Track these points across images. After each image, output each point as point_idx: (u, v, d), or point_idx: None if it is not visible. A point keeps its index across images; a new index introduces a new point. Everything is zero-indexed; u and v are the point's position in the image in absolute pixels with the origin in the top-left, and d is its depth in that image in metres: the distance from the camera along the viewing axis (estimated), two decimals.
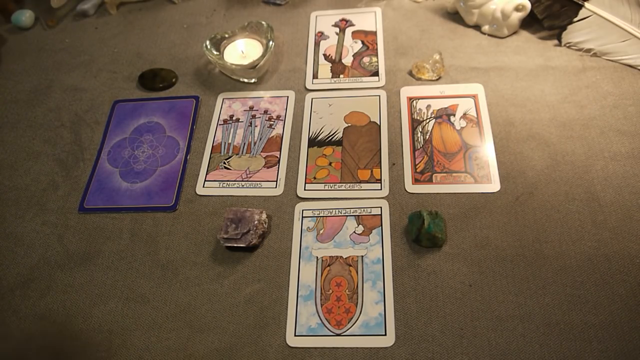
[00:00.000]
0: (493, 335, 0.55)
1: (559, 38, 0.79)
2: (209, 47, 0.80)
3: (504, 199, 0.65)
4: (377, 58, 0.82)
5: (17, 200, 0.74)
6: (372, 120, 0.75)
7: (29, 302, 0.64)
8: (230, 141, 0.76)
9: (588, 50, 0.77)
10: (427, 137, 0.72)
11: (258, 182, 0.71)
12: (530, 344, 0.55)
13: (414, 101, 0.76)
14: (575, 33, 0.78)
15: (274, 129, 0.76)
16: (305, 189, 0.69)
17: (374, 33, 0.85)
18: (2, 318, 0.63)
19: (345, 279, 0.61)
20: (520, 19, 0.79)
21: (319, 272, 0.62)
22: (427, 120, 0.73)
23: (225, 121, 0.78)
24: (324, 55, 0.84)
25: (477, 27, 0.83)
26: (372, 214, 0.66)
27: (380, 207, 0.66)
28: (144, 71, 0.85)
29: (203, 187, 0.71)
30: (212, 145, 0.75)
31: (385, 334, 0.57)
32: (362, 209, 0.66)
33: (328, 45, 0.85)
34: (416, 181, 0.68)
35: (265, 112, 0.78)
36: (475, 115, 0.73)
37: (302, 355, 0.57)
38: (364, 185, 0.68)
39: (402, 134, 0.73)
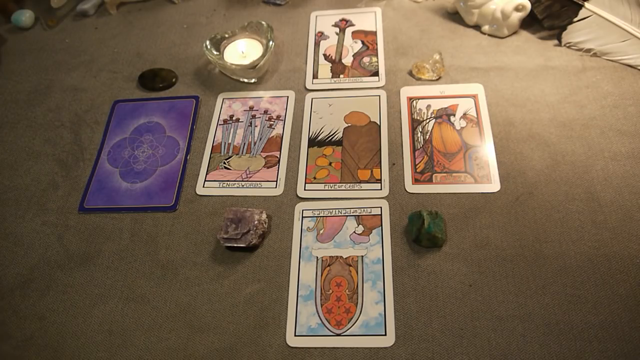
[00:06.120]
0: (493, 335, 0.55)
1: (559, 38, 0.79)
2: (209, 47, 0.80)
3: (504, 199, 0.65)
4: (377, 58, 0.82)
5: (17, 200, 0.74)
6: (372, 120, 0.75)
7: (29, 302, 0.64)
8: (230, 141, 0.76)
9: (588, 50, 0.77)
10: (427, 137, 0.72)
11: (258, 182, 0.71)
12: (530, 344, 0.55)
13: (414, 101, 0.76)
14: (575, 33, 0.78)
15: (274, 129, 0.76)
16: (305, 189, 0.69)
17: (374, 33, 0.85)
18: (2, 318, 0.63)
19: (345, 279, 0.61)
20: (520, 19, 0.79)
21: (319, 272, 0.62)
22: (427, 120, 0.73)
23: (225, 121, 0.78)
24: (324, 55, 0.84)
25: (477, 27, 0.83)
26: (372, 214, 0.66)
27: (380, 207, 0.66)
28: (144, 71, 0.85)
29: (203, 187, 0.71)
30: (212, 145, 0.75)
31: (385, 334, 0.57)
32: (362, 209, 0.66)
33: (328, 45, 0.85)
34: (416, 181, 0.68)
35: (265, 112, 0.78)
36: (475, 115, 0.73)
37: (302, 355, 0.57)
38: (364, 185, 0.68)
39: (402, 134, 0.73)
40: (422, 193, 0.67)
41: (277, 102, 0.79)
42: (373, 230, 0.64)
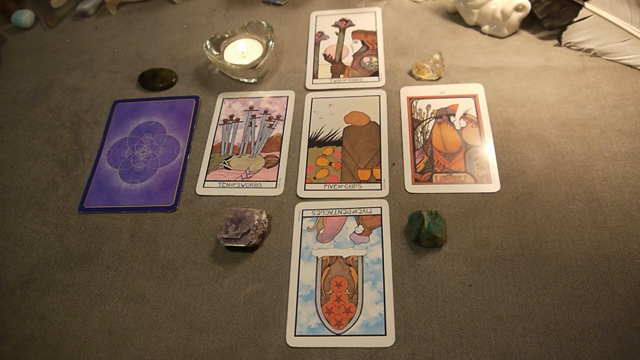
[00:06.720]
0: (493, 335, 0.55)
1: (559, 38, 0.79)
2: (209, 47, 0.80)
3: (504, 199, 0.65)
4: (377, 58, 0.82)
5: (17, 200, 0.74)
6: (372, 120, 0.75)
7: (29, 302, 0.64)
8: (230, 141, 0.76)
9: (588, 50, 0.77)
10: (427, 137, 0.72)
11: (258, 182, 0.71)
12: (530, 344, 0.55)
13: (414, 101, 0.76)
14: (575, 33, 0.78)
15: (274, 129, 0.76)
16: (305, 189, 0.69)
17: (374, 33, 0.85)
18: (2, 318, 0.63)
19: (345, 279, 0.61)
20: (520, 19, 0.79)
21: (319, 272, 0.62)
22: (427, 120, 0.73)
23: (225, 121, 0.78)
24: (324, 55, 0.84)
25: (477, 27, 0.83)
26: (372, 214, 0.66)
27: (380, 207, 0.66)
28: (144, 71, 0.85)
29: (203, 187, 0.71)
30: (212, 145, 0.75)
31: (385, 334, 0.57)
32: (362, 209, 0.66)
33: (328, 45, 0.85)
34: (416, 181, 0.68)
35: (265, 112, 0.78)
36: (475, 115, 0.73)
37: (302, 355, 0.57)
38: (364, 185, 0.68)
39: (402, 134, 0.73)
40: (422, 193, 0.67)
41: (277, 102, 0.79)
42: (373, 230, 0.64)
